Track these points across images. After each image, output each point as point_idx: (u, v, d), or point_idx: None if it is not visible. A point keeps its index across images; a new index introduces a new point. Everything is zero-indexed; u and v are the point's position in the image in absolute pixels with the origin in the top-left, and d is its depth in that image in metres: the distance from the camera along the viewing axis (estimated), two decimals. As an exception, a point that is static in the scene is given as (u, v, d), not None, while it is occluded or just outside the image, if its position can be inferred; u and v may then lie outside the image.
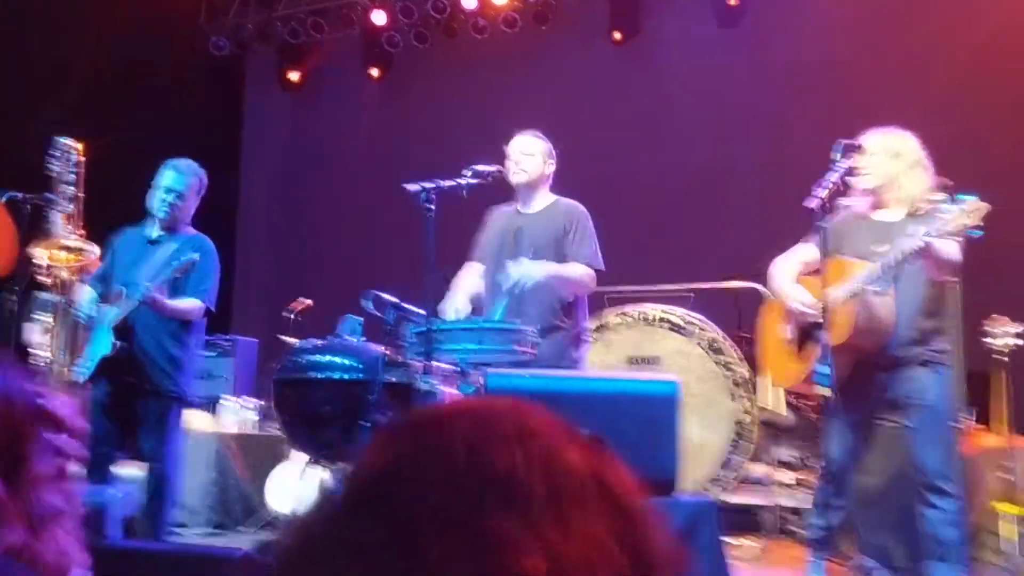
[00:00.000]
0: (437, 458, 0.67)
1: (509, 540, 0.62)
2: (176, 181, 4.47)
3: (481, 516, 0.64)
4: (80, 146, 4.99)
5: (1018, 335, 4.89)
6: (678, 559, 0.68)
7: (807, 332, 4.20)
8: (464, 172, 4.02)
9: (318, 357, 4.59)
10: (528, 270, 4.15)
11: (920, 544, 4.01)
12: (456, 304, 4.32)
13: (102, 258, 4.71)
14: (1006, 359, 4.86)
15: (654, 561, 0.66)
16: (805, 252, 4.28)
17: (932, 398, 4.03)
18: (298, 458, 5.35)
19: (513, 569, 0.61)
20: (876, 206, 4.19)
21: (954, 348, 4.80)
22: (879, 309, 3.96)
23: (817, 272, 4.20)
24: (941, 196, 4.35)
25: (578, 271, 4.33)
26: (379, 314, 4.10)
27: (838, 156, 3.90)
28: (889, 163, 4.07)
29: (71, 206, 4.96)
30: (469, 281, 4.53)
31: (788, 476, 5.90)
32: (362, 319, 4.65)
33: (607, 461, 0.70)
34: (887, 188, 4.09)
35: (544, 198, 4.52)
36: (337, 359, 4.53)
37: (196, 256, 4.18)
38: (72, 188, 4.96)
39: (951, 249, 3.85)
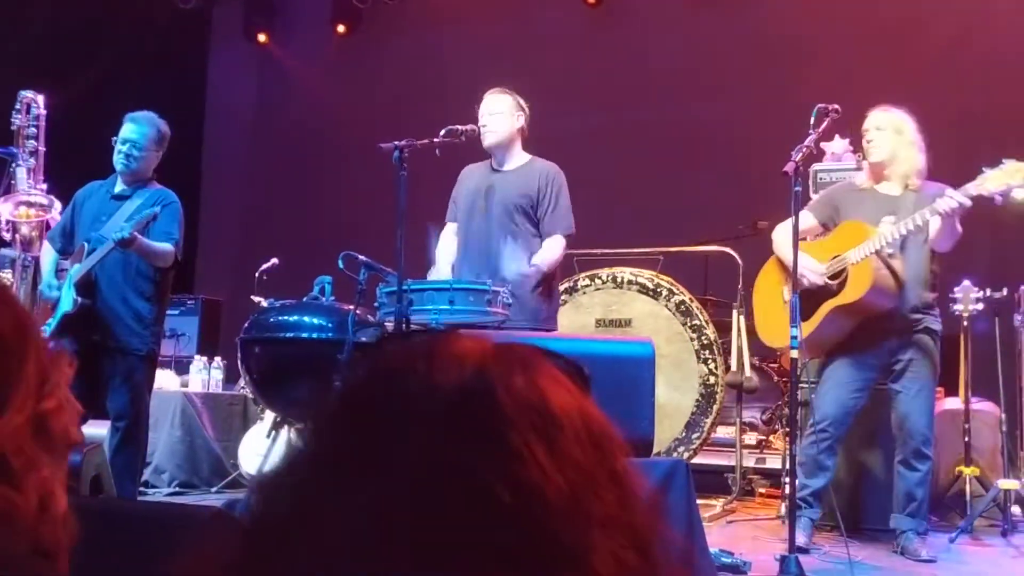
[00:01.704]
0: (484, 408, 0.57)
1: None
2: (134, 132, 4.37)
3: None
4: (42, 98, 4.87)
5: (978, 300, 5.00)
6: (657, 504, 0.63)
7: (809, 296, 4.28)
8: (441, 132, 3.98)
9: (287, 316, 4.55)
10: (522, 282, 4.07)
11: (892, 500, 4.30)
12: (441, 276, 4.25)
13: (63, 212, 4.61)
14: (965, 323, 4.99)
15: (639, 500, 0.61)
16: (803, 219, 4.31)
17: (929, 366, 4.24)
18: (271, 418, 5.31)
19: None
20: (877, 179, 4.36)
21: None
22: (896, 268, 4.14)
23: (808, 239, 4.45)
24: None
25: (556, 251, 4.26)
26: (351, 274, 4.06)
27: (812, 121, 3.93)
28: (894, 139, 4.26)
29: (32, 160, 4.85)
30: (448, 247, 4.46)
31: (752, 438, 5.98)
32: (331, 278, 4.61)
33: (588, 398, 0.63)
34: (889, 163, 4.26)
35: (519, 156, 4.41)
36: (306, 318, 4.51)
37: (156, 210, 4.10)
38: (34, 142, 4.84)
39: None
